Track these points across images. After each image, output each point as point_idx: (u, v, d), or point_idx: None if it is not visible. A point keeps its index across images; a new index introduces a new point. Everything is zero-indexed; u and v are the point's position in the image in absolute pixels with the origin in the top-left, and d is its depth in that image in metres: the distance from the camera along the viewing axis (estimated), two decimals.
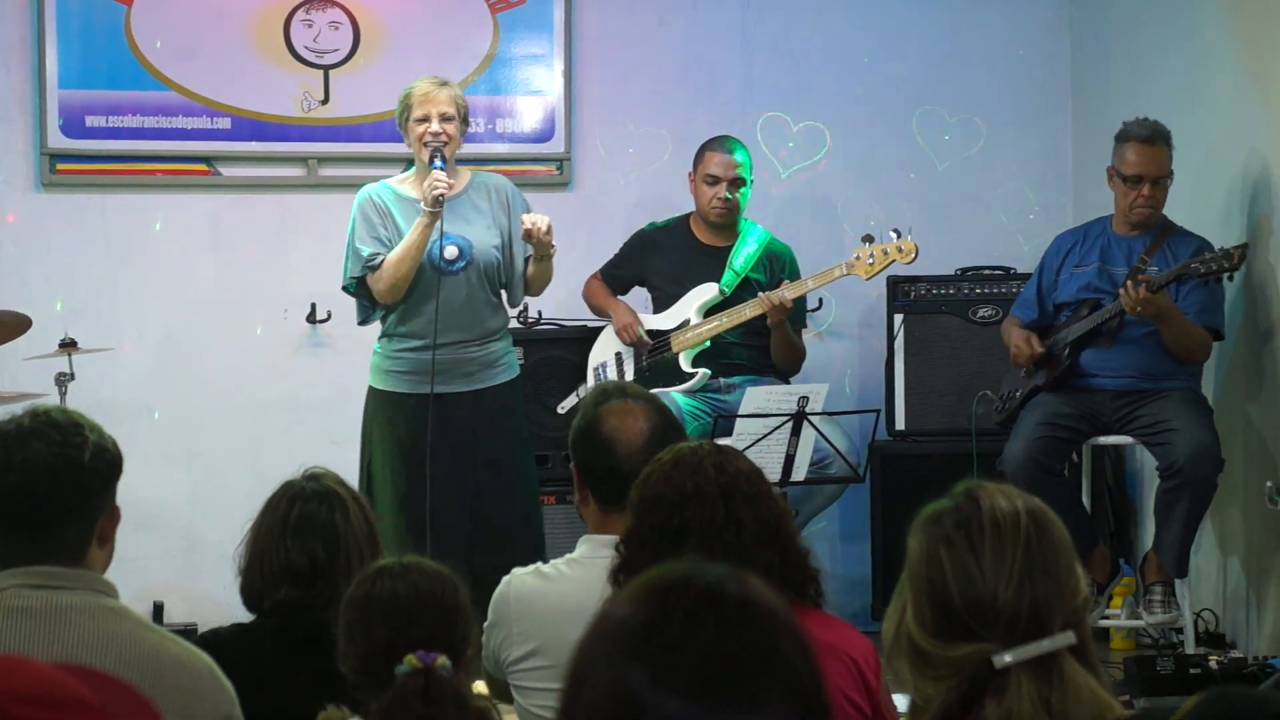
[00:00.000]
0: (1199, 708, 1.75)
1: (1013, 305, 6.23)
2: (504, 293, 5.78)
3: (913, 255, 6.12)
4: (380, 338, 5.73)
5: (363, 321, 5.77)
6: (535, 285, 5.76)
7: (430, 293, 5.56)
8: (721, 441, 5.26)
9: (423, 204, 5.50)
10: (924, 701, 2.13)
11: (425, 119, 5.56)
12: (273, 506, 3.24)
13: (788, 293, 6.13)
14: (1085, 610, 2.18)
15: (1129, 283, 5.57)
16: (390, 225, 5.61)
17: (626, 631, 1.51)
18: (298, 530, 3.18)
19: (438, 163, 5.51)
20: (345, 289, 5.72)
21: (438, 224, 5.51)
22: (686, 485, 2.90)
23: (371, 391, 5.72)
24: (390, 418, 5.63)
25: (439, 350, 5.56)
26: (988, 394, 6.14)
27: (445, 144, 5.56)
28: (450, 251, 5.58)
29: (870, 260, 6.12)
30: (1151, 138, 5.78)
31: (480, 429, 5.62)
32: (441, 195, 5.47)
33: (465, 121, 5.68)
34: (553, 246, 5.64)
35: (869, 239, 6.14)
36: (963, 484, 2.22)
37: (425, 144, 5.56)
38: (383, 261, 5.56)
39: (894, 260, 6.13)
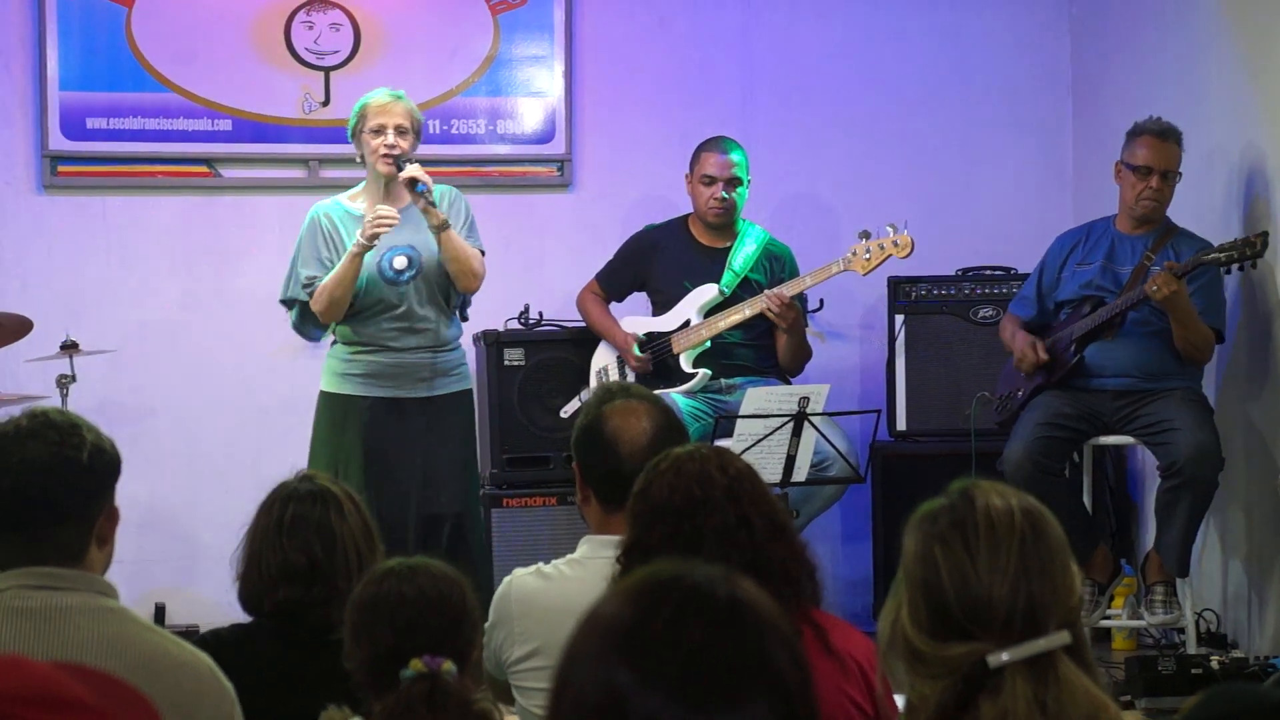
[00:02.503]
0: (1200, 705, 1.75)
1: (1010, 303, 6.23)
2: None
3: (909, 249, 6.11)
4: (333, 344, 5.68)
5: (309, 337, 5.72)
6: (452, 271, 5.51)
7: (382, 304, 5.54)
8: (722, 442, 5.30)
9: (359, 235, 5.41)
10: (920, 701, 2.12)
11: (380, 130, 5.52)
12: (267, 509, 3.24)
13: (786, 290, 6.13)
14: (1080, 610, 2.17)
15: (1162, 273, 5.54)
16: (334, 247, 5.56)
17: (613, 630, 1.51)
18: (293, 530, 3.18)
19: (420, 187, 5.40)
20: (282, 303, 5.71)
21: (383, 237, 5.46)
22: (694, 491, 2.88)
23: (322, 395, 5.65)
24: (341, 420, 5.59)
25: (394, 355, 5.54)
26: (986, 395, 6.14)
27: (399, 155, 5.47)
28: (399, 261, 5.54)
29: (867, 255, 6.12)
30: (1164, 133, 5.81)
31: (431, 434, 5.58)
32: (379, 235, 5.40)
33: (418, 135, 5.62)
34: (435, 212, 5.42)
35: (866, 234, 6.15)
36: (958, 483, 2.22)
37: (382, 156, 5.49)
38: (318, 286, 5.53)
39: (890, 255, 6.12)
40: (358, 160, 5.68)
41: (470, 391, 5.77)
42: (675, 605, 1.50)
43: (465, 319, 5.82)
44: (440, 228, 5.46)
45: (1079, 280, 5.94)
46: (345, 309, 5.55)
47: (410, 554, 5.18)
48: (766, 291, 6.14)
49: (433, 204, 5.44)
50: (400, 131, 5.53)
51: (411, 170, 5.44)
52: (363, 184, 5.71)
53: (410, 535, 5.49)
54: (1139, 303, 5.69)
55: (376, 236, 5.42)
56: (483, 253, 5.64)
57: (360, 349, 5.59)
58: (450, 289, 5.61)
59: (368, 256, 5.50)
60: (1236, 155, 6.02)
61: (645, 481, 2.94)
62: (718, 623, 1.50)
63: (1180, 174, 5.83)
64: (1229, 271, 5.64)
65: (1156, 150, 5.80)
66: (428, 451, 5.57)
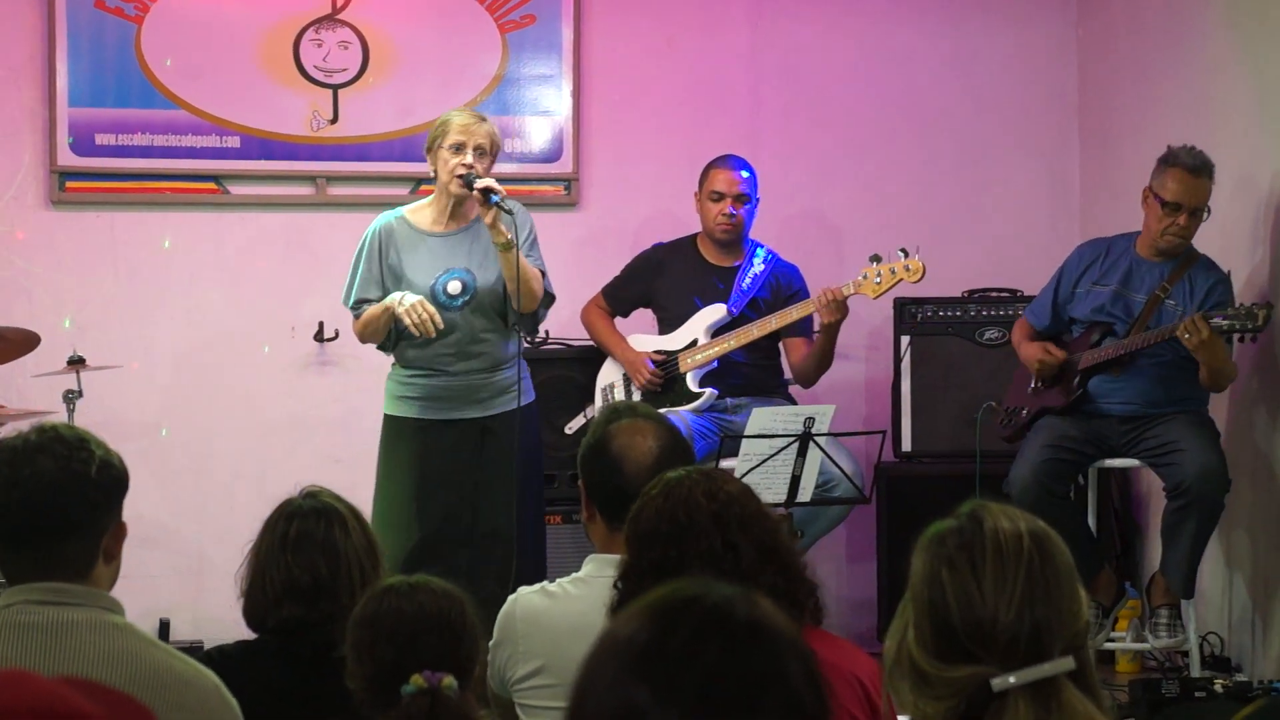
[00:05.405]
0: (1259, 714, 1.75)
1: (1025, 309, 6.19)
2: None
3: (920, 274, 6.09)
4: (393, 365, 5.66)
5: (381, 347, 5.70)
6: (511, 290, 5.45)
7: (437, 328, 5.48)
8: (727, 462, 5.30)
9: (404, 315, 5.38)
10: None
11: (460, 148, 5.43)
12: (271, 525, 3.25)
13: (845, 289, 6.05)
14: (1086, 635, 2.17)
15: (1190, 320, 5.45)
16: (386, 262, 5.52)
17: (631, 649, 1.52)
18: (298, 547, 3.19)
19: (495, 198, 5.32)
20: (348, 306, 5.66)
21: (440, 259, 5.46)
22: (679, 517, 2.89)
23: (385, 419, 5.63)
24: (400, 442, 5.56)
25: (450, 378, 5.51)
26: (993, 404, 6.12)
27: (469, 175, 5.39)
28: (454, 286, 5.49)
29: (878, 279, 6.10)
30: (1198, 169, 5.69)
31: (486, 454, 5.51)
32: (417, 326, 5.38)
33: (494, 160, 5.53)
34: (501, 230, 5.36)
35: (876, 258, 6.12)
36: (967, 504, 2.22)
37: (456, 175, 5.41)
38: (364, 311, 5.52)
39: (901, 279, 6.10)
40: (431, 175, 5.56)
41: (532, 405, 5.63)
42: (693, 625, 1.51)
43: (535, 333, 5.71)
44: (505, 246, 5.39)
45: (1092, 303, 5.91)
46: (379, 341, 5.54)
47: (461, 575, 5.12)
48: (825, 290, 6.06)
49: (509, 211, 5.37)
50: (479, 152, 5.45)
51: (488, 180, 5.39)
52: (429, 198, 5.61)
53: (462, 555, 5.38)
54: (1157, 341, 5.63)
55: (416, 327, 5.38)
56: (544, 273, 5.54)
57: (416, 372, 5.55)
58: (507, 308, 5.53)
59: (422, 280, 5.48)
60: (1246, 176, 6.01)
61: (638, 507, 2.95)
62: (735, 642, 1.50)
63: (1209, 209, 5.75)
64: (1230, 341, 5.59)
65: (1188, 186, 5.68)
66: (481, 471, 5.48)
